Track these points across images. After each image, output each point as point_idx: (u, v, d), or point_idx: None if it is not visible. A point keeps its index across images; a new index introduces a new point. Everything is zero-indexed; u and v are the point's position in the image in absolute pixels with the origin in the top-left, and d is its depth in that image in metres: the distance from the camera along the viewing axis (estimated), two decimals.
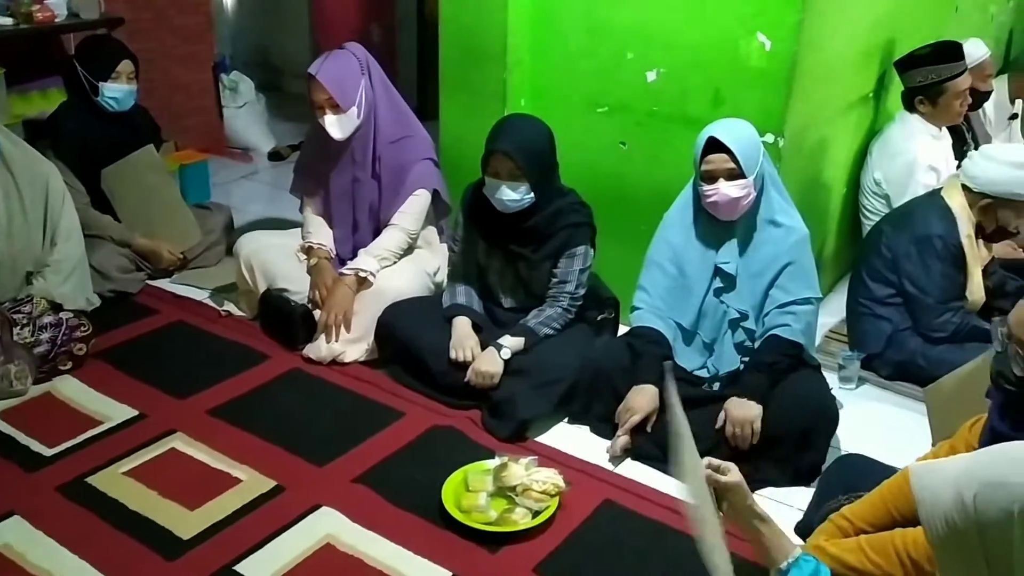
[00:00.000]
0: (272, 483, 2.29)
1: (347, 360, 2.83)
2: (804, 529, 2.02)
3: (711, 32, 2.69)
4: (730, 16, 2.65)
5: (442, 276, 3.00)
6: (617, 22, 2.84)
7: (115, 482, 2.28)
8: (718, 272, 2.51)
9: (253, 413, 2.59)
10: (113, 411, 2.57)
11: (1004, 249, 3.23)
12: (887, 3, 3.24)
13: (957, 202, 2.70)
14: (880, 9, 3.20)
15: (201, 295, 3.29)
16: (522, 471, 2.22)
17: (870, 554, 1.57)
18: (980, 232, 2.75)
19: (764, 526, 1.56)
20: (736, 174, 2.36)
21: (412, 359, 2.72)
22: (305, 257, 3.02)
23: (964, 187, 2.69)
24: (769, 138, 2.67)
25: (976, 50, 3.72)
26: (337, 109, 2.82)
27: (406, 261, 3.00)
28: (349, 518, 2.17)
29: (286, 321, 2.91)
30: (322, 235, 3.03)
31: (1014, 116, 4.20)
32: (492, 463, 2.29)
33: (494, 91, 3.02)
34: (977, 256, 2.75)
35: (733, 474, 1.57)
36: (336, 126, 2.85)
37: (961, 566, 1.08)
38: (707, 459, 1.60)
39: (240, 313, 3.14)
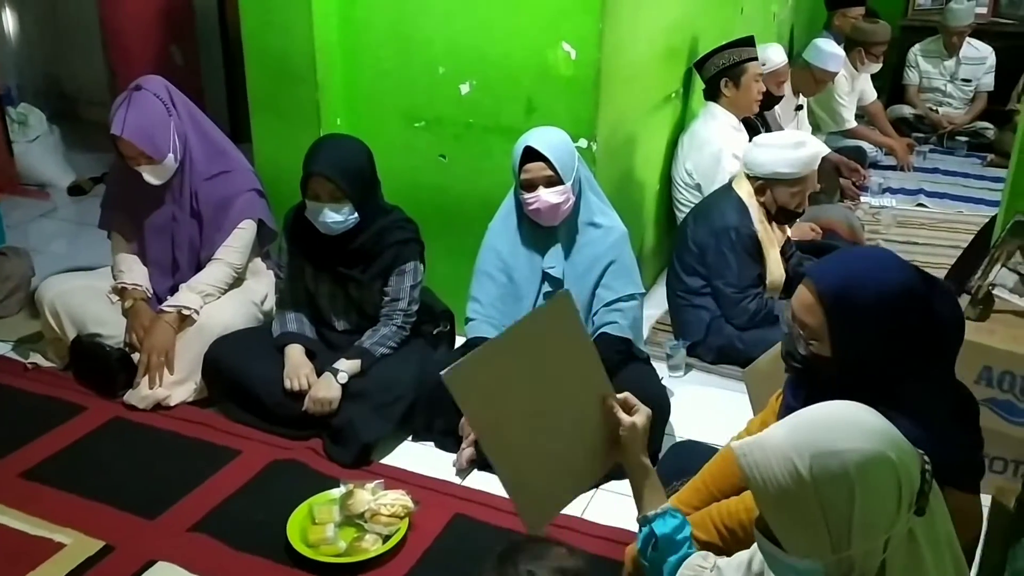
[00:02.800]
0: (100, 544, 2.13)
1: (172, 404, 2.68)
2: (645, 520, 2.09)
3: (519, 43, 2.75)
4: (535, 27, 2.71)
5: (270, 304, 2.90)
6: (426, 37, 2.85)
7: None
8: (545, 276, 2.57)
9: (72, 470, 2.41)
10: None
11: (799, 230, 3.49)
12: (679, 9, 3.43)
13: (746, 191, 2.91)
14: (673, 15, 3.38)
15: (2, 348, 3.03)
16: (369, 496, 2.19)
17: (695, 532, 1.65)
18: (768, 216, 2.95)
19: (647, 478, 1.60)
20: (554, 180, 2.43)
21: (244, 394, 2.61)
22: (118, 299, 2.84)
23: (747, 176, 2.90)
24: (583, 143, 2.76)
25: (776, 56, 3.99)
26: (151, 160, 2.67)
27: (232, 292, 2.87)
28: (188, 570, 2.05)
29: (101, 368, 2.73)
30: (136, 274, 2.85)
31: (799, 107, 4.55)
32: (337, 492, 2.24)
33: (307, 112, 2.95)
34: (772, 239, 2.95)
35: (639, 416, 1.59)
36: (153, 176, 2.69)
37: (802, 533, 1.13)
38: (625, 394, 1.62)
39: (49, 364, 2.90)
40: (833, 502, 1.09)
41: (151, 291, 2.85)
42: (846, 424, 1.13)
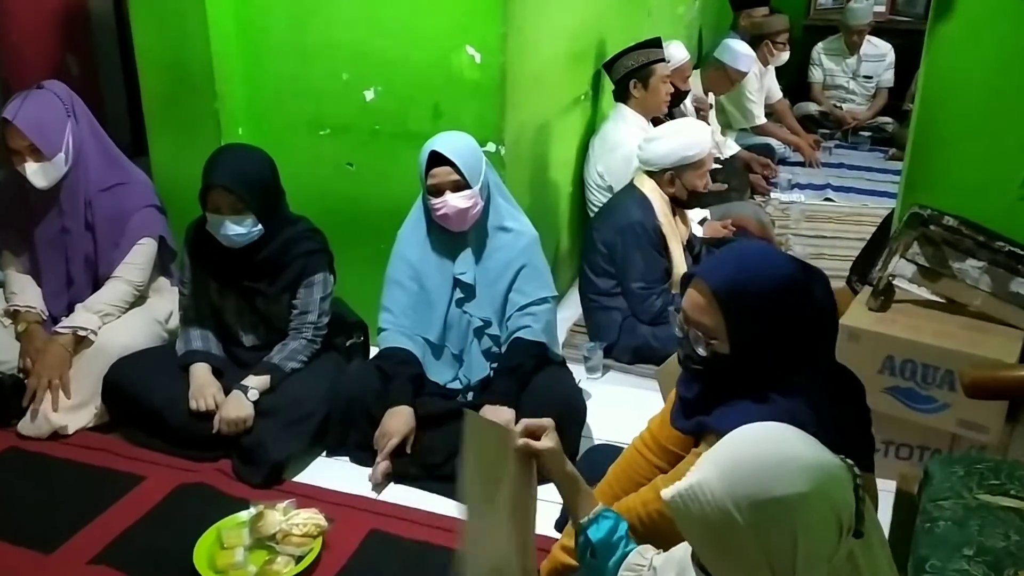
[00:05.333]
0: None
1: (71, 431, 2.56)
2: (563, 523, 2.08)
3: (423, 48, 2.71)
4: (439, 32, 2.68)
5: (175, 322, 2.80)
6: (327, 43, 2.79)
7: None
8: (457, 283, 2.54)
9: None
10: None
11: (711, 228, 3.55)
12: (585, 12, 3.44)
13: (648, 187, 2.95)
14: (579, 18, 3.39)
15: None
16: (279, 517, 2.11)
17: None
18: (680, 204, 3.00)
19: (575, 484, 1.58)
20: (461, 185, 2.40)
21: (147, 416, 2.51)
22: (10, 322, 2.70)
23: (649, 172, 2.94)
24: (490, 147, 2.74)
25: (678, 52, 4.05)
26: (39, 156, 2.54)
27: (134, 311, 2.76)
28: None
29: None
30: (29, 295, 2.72)
31: (709, 106, 4.63)
32: (247, 514, 2.16)
33: (206, 123, 2.85)
34: (675, 233, 3.00)
35: (549, 437, 1.54)
36: (40, 174, 2.56)
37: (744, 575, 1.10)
38: (523, 422, 1.56)
39: None
40: (777, 547, 1.07)
41: (46, 313, 2.72)
42: (779, 461, 1.10)
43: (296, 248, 2.55)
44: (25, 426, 2.54)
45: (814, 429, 1.24)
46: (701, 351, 1.54)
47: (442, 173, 2.40)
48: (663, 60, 3.57)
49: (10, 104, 2.55)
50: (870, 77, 5.77)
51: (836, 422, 1.50)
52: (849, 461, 1.16)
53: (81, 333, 2.59)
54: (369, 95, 2.81)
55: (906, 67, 5.60)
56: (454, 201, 2.41)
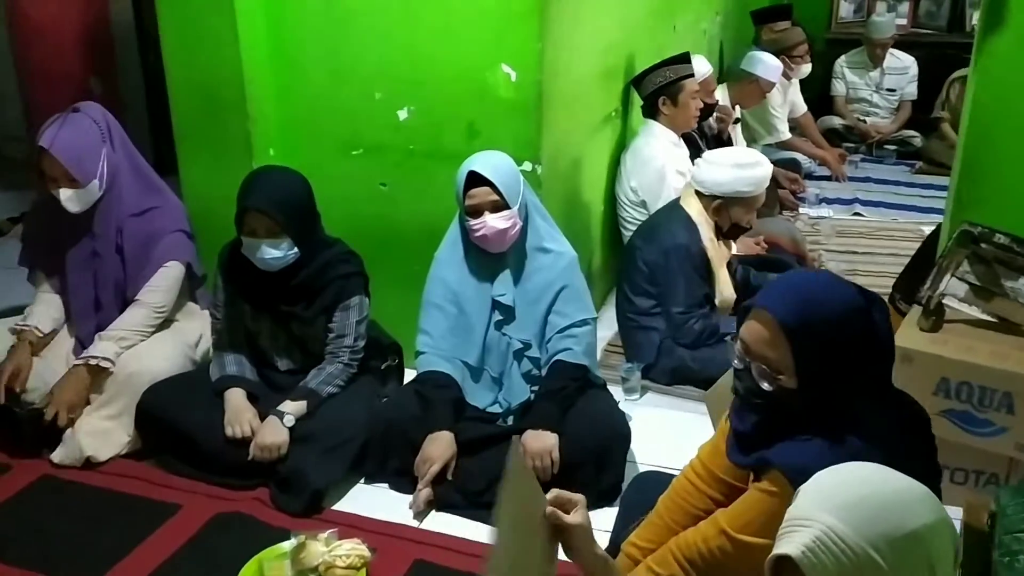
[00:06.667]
0: None
1: (102, 458, 2.51)
2: (613, 551, 2.02)
3: (457, 66, 2.68)
4: (473, 49, 2.65)
5: (205, 346, 2.76)
6: (360, 62, 2.76)
7: None
8: (496, 305, 2.49)
9: None
10: None
11: (745, 245, 3.49)
12: (615, 29, 3.41)
13: (695, 209, 2.88)
14: (610, 35, 3.35)
15: None
16: (322, 548, 2.06)
17: (656, 569, 1.63)
18: (719, 232, 2.94)
19: (605, 566, 1.52)
20: (500, 205, 2.36)
21: (182, 443, 2.46)
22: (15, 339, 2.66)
23: (698, 193, 2.87)
24: (527, 166, 2.70)
25: (701, 66, 4.01)
26: (74, 183, 2.51)
27: (163, 335, 2.71)
28: None
29: (13, 430, 2.54)
30: (39, 316, 2.68)
31: (737, 120, 4.58)
32: (288, 545, 2.10)
33: (238, 144, 2.82)
34: (721, 256, 2.94)
35: (579, 513, 1.46)
36: (73, 200, 2.52)
37: None
38: (554, 492, 1.48)
39: None
40: None
41: (46, 330, 2.68)
42: (897, 496, 1.08)
43: (332, 271, 2.51)
44: (58, 455, 2.50)
45: (884, 460, 1.19)
46: (766, 386, 1.49)
47: (481, 194, 2.36)
48: (691, 76, 3.53)
49: (46, 130, 2.51)
50: (893, 90, 5.73)
51: (908, 453, 1.45)
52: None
53: (92, 362, 2.54)
54: (403, 114, 2.77)
55: (929, 79, 5.57)
56: (493, 222, 2.36)
